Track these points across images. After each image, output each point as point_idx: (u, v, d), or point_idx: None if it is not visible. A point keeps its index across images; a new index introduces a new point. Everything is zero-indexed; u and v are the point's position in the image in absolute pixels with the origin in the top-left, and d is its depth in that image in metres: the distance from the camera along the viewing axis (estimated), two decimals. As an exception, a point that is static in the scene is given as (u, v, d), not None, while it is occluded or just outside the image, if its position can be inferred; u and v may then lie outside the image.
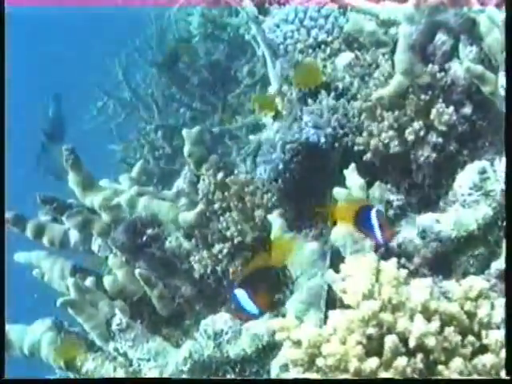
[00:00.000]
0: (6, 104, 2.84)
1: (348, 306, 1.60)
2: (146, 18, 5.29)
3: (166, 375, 2.47)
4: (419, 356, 1.49)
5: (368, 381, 1.49)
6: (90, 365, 2.65)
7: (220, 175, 2.72)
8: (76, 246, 2.98)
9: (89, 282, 2.79)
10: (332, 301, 2.24)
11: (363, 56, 2.77)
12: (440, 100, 2.45)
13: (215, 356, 2.42)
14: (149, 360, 2.52)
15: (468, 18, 2.41)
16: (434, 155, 2.47)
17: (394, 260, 1.64)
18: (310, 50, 2.95)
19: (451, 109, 2.42)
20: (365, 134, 2.56)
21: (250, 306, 2.12)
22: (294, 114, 2.74)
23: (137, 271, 2.69)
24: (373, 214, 2.10)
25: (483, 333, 1.55)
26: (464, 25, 2.43)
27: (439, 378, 1.48)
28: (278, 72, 2.93)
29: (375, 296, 1.56)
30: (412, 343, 1.49)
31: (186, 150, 2.87)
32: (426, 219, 2.31)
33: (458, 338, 1.52)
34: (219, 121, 4.37)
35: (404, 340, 1.51)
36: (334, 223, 2.37)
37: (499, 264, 2.14)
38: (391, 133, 2.49)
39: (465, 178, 2.28)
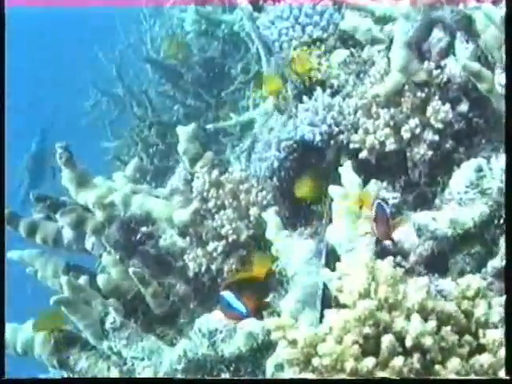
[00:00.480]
0: (6, 104, 2.81)
1: (344, 305, 1.58)
2: (140, 15, 5.28)
3: (160, 374, 2.45)
4: (416, 356, 1.48)
5: (365, 380, 1.47)
6: (83, 363, 2.64)
7: (215, 173, 2.71)
8: (69, 244, 2.96)
9: (82, 280, 2.77)
10: (327, 299, 2.22)
11: (358, 53, 2.76)
12: (436, 97, 2.44)
13: (210, 355, 2.40)
14: (143, 359, 2.50)
15: (464, 14, 2.40)
16: (429, 153, 2.46)
17: (390, 258, 1.63)
18: (305, 47, 2.93)
19: (447, 106, 2.42)
20: (360, 131, 2.55)
21: (238, 305, 2.14)
22: (289, 111, 2.73)
23: (131, 269, 2.67)
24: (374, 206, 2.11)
25: (480, 332, 1.54)
26: (460, 22, 2.42)
27: (439, 378, 1.47)
28: (273, 69, 2.92)
29: (371, 295, 1.55)
30: (409, 343, 1.48)
31: (181, 147, 2.85)
32: (421, 217, 2.30)
33: (455, 337, 1.51)
34: (214, 118, 4.36)
35: (401, 339, 1.49)
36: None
37: (496, 262, 2.13)
38: (387, 130, 2.48)
39: (461, 176, 2.27)
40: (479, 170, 2.23)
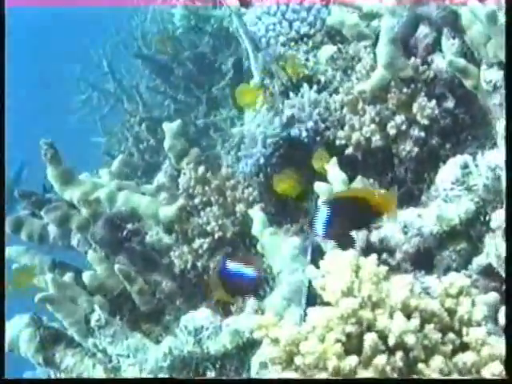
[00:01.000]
0: (6, 104, 2.79)
1: (327, 303, 1.57)
2: (131, 10, 5.27)
3: (145, 371, 2.44)
4: (399, 354, 1.47)
5: (365, 380, 1.46)
6: (69, 361, 2.63)
7: (201, 169, 2.70)
8: (55, 241, 2.95)
9: (68, 277, 2.76)
10: (313, 297, 2.22)
11: (346, 49, 2.75)
12: (422, 93, 2.44)
13: (195, 352, 2.39)
14: (128, 356, 2.49)
15: (450, 10, 2.39)
16: (416, 149, 2.46)
17: (374, 256, 1.61)
18: (292, 43, 2.92)
19: (433, 102, 2.41)
20: (346, 127, 2.54)
21: (246, 270, 2.16)
22: (275, 107, 2.72)
23: (116, 266, 2.66)
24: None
25: (464, 330, 1.53)
26: (446, 18, 2.41)
27: (439, 378, 1.46)
28: (260, 65, 2.90)
29: (355, 293, 1.54)
30: (392, 341, 1.47)
31: (167, 143, 2.84)
32: (408, 214, 2.29)
33: (439, 335, 1.50)
34: (205, 113, 4.34)
35: (384, 338, 1.48)
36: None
37: (481, 259, 2.13)
38: (373, 126, 2.47)
39: (447, 173, 2.26)
40: (465, 166, 2.22)
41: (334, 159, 2.41)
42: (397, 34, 2.45)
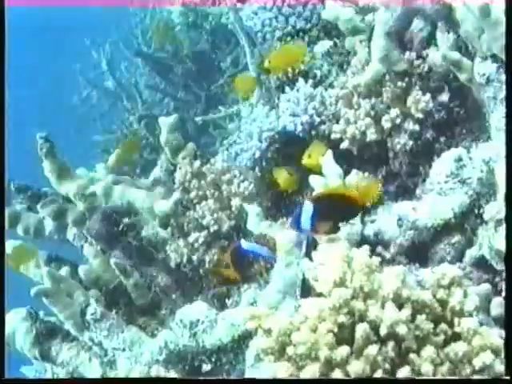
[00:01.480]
0: (6, 103, 2.79)
1: (320, 294, 1.58)
2: (130, 9, 5.29)
3: (141, 365, 2.44)
4: (390, 344, 1.48)
5: (364, 380, 1.47)
6: (65, 354, 2.63)
7: (196, 164, 2.70)
8: (51, 235, 2.95)
9: (64, 271, 2.76)
10: (308, 289, 2.22)
11: (342, 43, 2.75)
12: (417, 87, 2.44)
13: (191, 346, 2.40)
14: (124, 350, 2.50)
15: (444, 4, 2.39)
16: (410, 143, 2.46)
17: (366, 247, 1.62)
18: (289, 38, 2.93)
19: (428, 96, 2.41)
20: (342, 121, 2.54)
21: (261, 249, 2.30)
22: (271, 101, 2.73)
23: (112, 260, 2.66)
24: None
25: (455, 320, 1.54)
26: (441, 11, 2.41)
27: (439, 378, 1.46)
28: (256, 60, 2.91)
29: (347, 284, 1.54)
30: (383, 331, 1.47)
31: (163, 138, 2.84)
32: (402, 207, 2.29)
33: (430, 325, 1.51)
34: (204, 111, 4.35)
35: (375, 328, 1.49)
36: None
37: (474, 251, 2.13)
38: (368, 120, 2.48)
39: (441, 166, 2.27)
40: (459, 159, 2.23)
41: (329, 152, 2.41)
42: (391, 28, 2.45)
